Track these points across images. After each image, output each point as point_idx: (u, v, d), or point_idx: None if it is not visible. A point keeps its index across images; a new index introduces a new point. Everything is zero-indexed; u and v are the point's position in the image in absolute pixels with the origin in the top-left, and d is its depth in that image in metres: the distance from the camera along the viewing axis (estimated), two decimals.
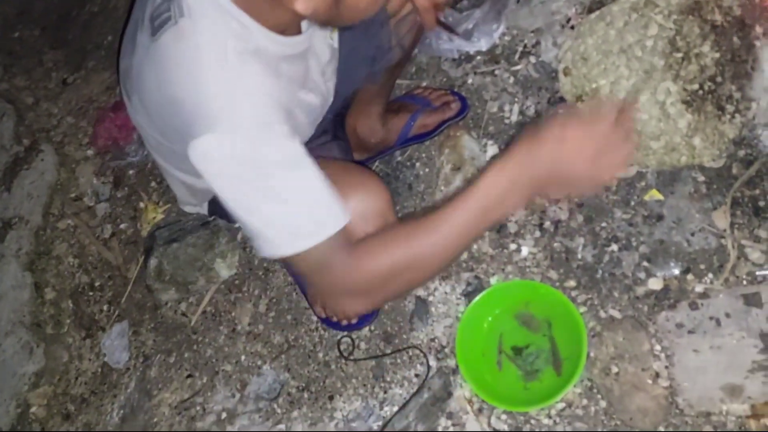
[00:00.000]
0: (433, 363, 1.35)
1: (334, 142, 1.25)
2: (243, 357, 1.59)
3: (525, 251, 1.37)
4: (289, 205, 0.88)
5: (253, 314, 1.62)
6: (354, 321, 1.46)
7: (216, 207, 1.32)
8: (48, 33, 2.21)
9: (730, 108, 1.15)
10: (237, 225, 1.52)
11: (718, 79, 1.14)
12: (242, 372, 1.57)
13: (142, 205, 1.80)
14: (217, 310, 1.68)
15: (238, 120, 0.84)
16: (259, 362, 1.56)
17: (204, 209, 1.38)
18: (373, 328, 1.46)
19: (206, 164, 0.87)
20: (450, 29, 1.43)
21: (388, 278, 0.94)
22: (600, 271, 1.28)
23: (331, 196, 0.90)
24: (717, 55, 1.13)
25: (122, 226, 1.79)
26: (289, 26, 0.93)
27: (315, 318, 1.52)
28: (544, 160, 0.87)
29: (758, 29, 1.15)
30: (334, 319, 1.48)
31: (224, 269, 1.66)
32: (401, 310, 1.45)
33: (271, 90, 0.88)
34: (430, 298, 1.43)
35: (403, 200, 1.55)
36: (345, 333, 1.47)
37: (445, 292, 1.42)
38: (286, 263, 1.45)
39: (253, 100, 0.86)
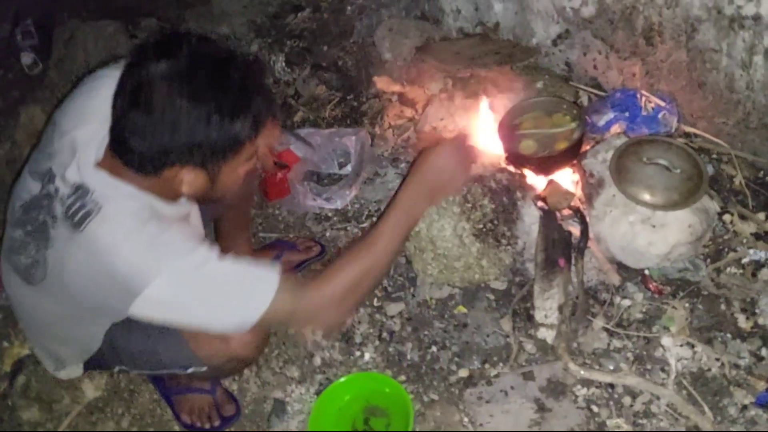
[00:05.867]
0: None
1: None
2: None
3: (367, 356, 1.69)
4: (232, 292, 1.17)
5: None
6: (216, 423, 1.63)
7: (92, 363, 1.50)
8: None
9: (504, 242, 1.67)
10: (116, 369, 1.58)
11: (495, 222, 1.66)
12: None
13: (6, 344, 1.87)
14: None
15: (172, 263, 1.13)
16: None
17: (78, 370, 1.53)
18: (233, 429, 1.63)
19: (159, 305, 1.14)
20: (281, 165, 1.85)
21: (346, 295, 1.24)
22: (424, 367, 1.63)
23: (256, 268, 1.18)
24: (493, 206, 1.67)
25: None
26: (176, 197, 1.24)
27: (177, 428, 1.66)
28: (431, 174, 1.29)
29: (518, 193, 1.73)
30: (198, 424, 1.64)
31: (91, 390, 1.77)
32: (261, 412, 1.66)
33: (182, 229, 1.21)
34: (287, 399, 1.66)
35: None
36: None
37: (301, 393, 1.66)
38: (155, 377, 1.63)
39: (175, 244, 1.15)
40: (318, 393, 1.64)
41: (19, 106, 2.69)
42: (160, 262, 1.13)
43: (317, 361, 1.71)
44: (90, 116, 1.24)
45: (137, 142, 1.09)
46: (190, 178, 1.14)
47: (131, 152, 1.11)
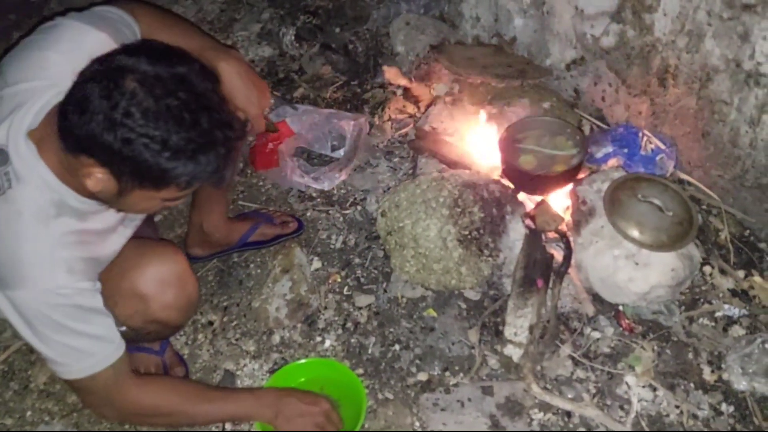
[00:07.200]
0: (228, 426, 1.49)
1: (146, 224, 1.47)
2: (29, 413, 1.58)
3: (328, 343, 1.64)
4: (77, 342, 1.16)
5: (52, 374, 1.63)
6: None
7: None
8: None
9: (486, 252, 1.64)
10: None
11: (481, 231, 1.63)
12: (24, 426, 1.55)
13: None
14: (11, 369, 1.67)
15: (46, 283, 1.11)
16: (47, 418, 1.56)
17: None
18: None
19: (14, 312, 1.12)
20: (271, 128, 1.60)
21: (148, 417, 1.33)
22: (383, 364, 1.59)
23: (110, 338, 1.20)
24: (482, 215, 1.64)
25: None
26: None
27: None
28: (286, 412, 1.36)
29: (509, 207, 1.71)
30: None
31: None
32: (208, 381, 1.60)
33: (79, 252, 1.15)
34: (239, 372, 1.61)
35: (232, 292, 1.78)
36: None
37: (254, 369, 1.61)
38: None
39: (60, 268, 1.12)
40: (271, 371, 1.59)
41: (13, 31, 2.60)
42: (29, 276, 1.10)
43: (276, 339, 1.66)
44: (39, 72, 1.16)
45: (77, 115, 1.00)
46: (99, 178, 1.05)
47: (68, 121, 1.02)
